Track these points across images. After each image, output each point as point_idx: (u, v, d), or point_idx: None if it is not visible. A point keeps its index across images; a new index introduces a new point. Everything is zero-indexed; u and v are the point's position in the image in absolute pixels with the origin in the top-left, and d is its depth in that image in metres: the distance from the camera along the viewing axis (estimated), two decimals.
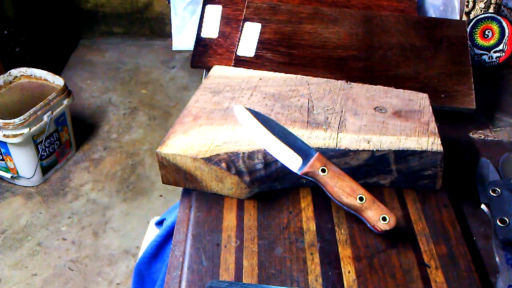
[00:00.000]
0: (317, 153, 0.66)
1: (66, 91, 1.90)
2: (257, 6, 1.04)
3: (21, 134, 1.75)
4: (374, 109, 0.77)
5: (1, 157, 1.87)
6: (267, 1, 1.08)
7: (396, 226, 0.62)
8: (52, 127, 1.89)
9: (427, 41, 0.98)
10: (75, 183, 1.99)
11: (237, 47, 0.99)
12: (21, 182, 1.95)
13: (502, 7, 1.13)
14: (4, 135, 1.74)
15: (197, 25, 1.09)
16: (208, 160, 0.67)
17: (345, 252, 0.63)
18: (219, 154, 0.68)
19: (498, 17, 1.08)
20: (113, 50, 2.84)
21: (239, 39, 1.00)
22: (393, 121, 0.74)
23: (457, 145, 0.87)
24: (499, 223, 0.66)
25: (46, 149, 1.92)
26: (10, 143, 1.78)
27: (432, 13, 1.22)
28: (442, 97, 0.91)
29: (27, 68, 1.98)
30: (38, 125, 1.80)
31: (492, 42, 1.08)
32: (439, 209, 0.69)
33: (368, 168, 0.70)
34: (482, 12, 1.12)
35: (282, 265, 0.61)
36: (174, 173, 0.70)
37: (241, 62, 0.97)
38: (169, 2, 2.58)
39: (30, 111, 1.76)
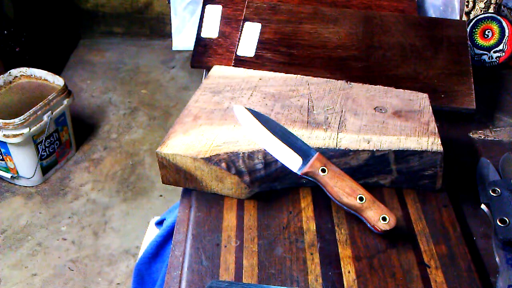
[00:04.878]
0: (317, 153, 0.66)
1: (66, 91, 1.90)
2: (257, 6, 1.04)
3: (21, 134, 1.75)
4: (374, 109, 0.77)
5: (1, 157, 1.87)
6: (267, 1, 1.08)
7: (396, 226, 0.62)
8: (52, 127, 1.89)
9: (427, 41, 0.98)
10: (75, 183, 1.99)
11: (237, 47, 0.99)
12: (21, 182, 1.95)
13: (502, 7, 1.13)
14: (4, 135, 1.74)
15: (197, 25, 1.09)
16: (208, 160, 0.67)
17: (345, 252, 0.63)
18: (219, 154, 0.68)
19: (498, 17, 1.08)
20: (113, 50, 2.84)
21: (239, 39, 1.00)
22: (393, 121, 0.74)
23: (457, 145, 0.87)
24: (499, 223, 0.66)
25: (46, 149, 1.92)
26: (10, 143, 1.78)
27: (432, 13, 1.22)
28: (442, 97, 0.91)
29: (27, 68, 1.98)
30: (38, 125, 1.80)
31: (492, 42, 1.08)
32: (439, 209, 0.69)
33: (368, 168, 0.70)
34: (482, 12, 1.12)
35: (282, 265, 0.61)
36: (174, 173, 0.70)
37: (241, 62, 0.97)
38: (169, 2, 2.58)
39: (30, 111, 1.76)
